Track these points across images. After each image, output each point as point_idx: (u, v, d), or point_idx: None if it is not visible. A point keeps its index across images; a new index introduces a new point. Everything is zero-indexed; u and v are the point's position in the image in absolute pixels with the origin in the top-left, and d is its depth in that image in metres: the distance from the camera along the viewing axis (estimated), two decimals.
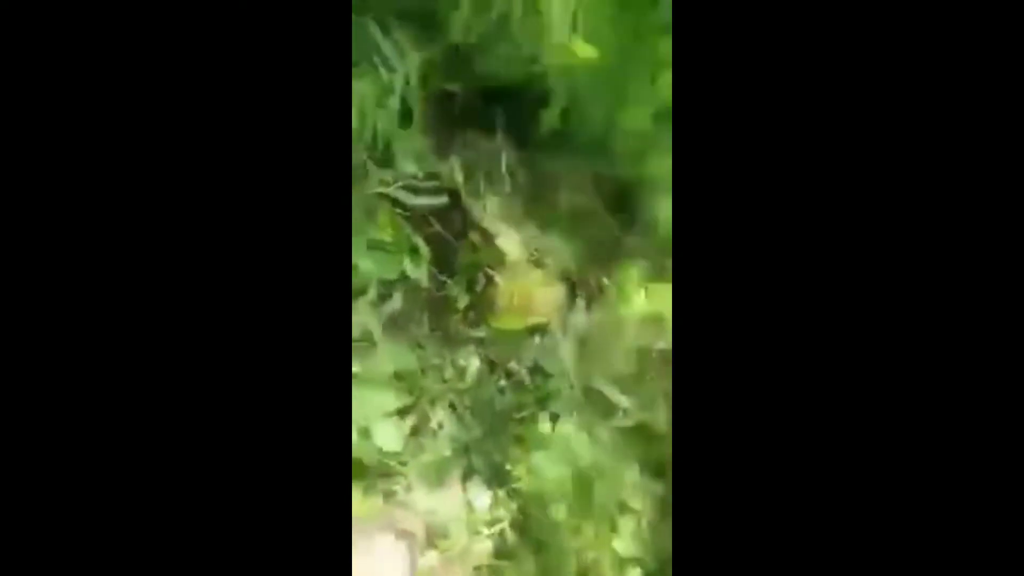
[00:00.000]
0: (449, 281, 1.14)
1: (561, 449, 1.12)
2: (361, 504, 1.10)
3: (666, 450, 1.09)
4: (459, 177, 1.04)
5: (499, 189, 1.12)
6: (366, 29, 0.85)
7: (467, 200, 1.05)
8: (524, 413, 1.14)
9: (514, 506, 1.11)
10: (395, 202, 1.03)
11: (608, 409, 1.11)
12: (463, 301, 1.16)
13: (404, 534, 1.11)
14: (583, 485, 1.10)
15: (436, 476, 1.13)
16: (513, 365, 1.15)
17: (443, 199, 1.04)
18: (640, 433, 1.12)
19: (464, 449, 1.14)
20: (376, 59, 0.87)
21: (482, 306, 1.17)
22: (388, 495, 1.12)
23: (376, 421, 1.10)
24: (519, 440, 1.13)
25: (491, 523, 1.12)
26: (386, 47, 0.86)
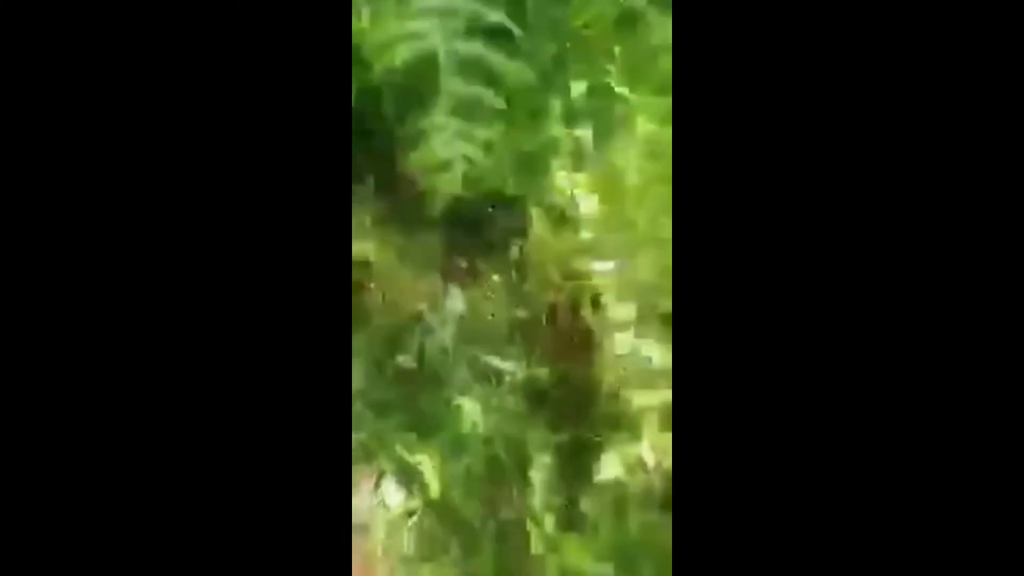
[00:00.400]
0: None
1: (461, 426, 1.18)
2: None
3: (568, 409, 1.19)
4: None
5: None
6: None
7: None
8: (418, 401, 1.19)
9: (428, 493, 1.15)
10: None
11: (497, 377, 1.20)
12: None
13: None
14: (488, 453, 1.17)
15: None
16: (400, 359, 1.19)
17: None
18: (529, 392, 1.21)
19: (364, 451, 1.16)
20: None
21: (357, 310, 1.20)
22: None
23: None
24: (420, 427, 1.17)
25: (408, 515, 1.15)
26: None
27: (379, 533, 1.13)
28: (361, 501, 1.14)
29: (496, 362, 1.21)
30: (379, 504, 1.15)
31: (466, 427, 1.19)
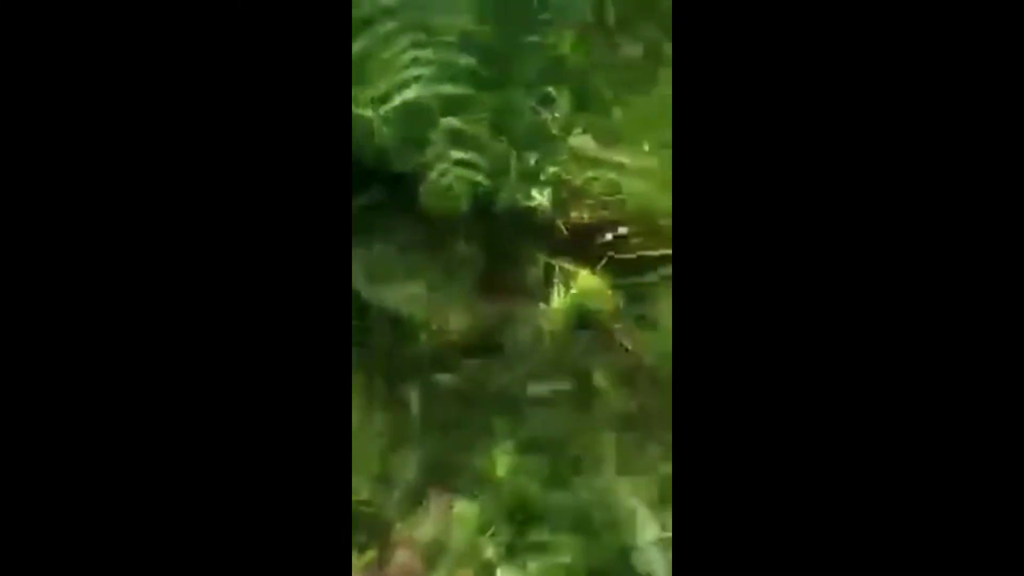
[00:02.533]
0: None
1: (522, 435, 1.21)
2: (356, 561, 1.12)
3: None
4: None
5: None
6: None
7: None
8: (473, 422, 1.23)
9: (501, 500, 1.17)
10: None
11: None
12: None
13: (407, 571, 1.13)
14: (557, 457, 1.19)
15: (412, 507, 1.17)
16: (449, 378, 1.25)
17: None
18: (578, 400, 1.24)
19: (434, 472, 1.20)
20: None
21: (407, 339, 1.28)
22: (376, 542, 1.15)
23: None
24: (481, 441, 1.21)
25: (485, 526, 1.17)
26: None
27: (459, 549, 1.16)
28: (439, 520, 1.18)
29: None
30: (456, 520, 1.18)
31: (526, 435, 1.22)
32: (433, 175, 1.16)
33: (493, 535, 1.16)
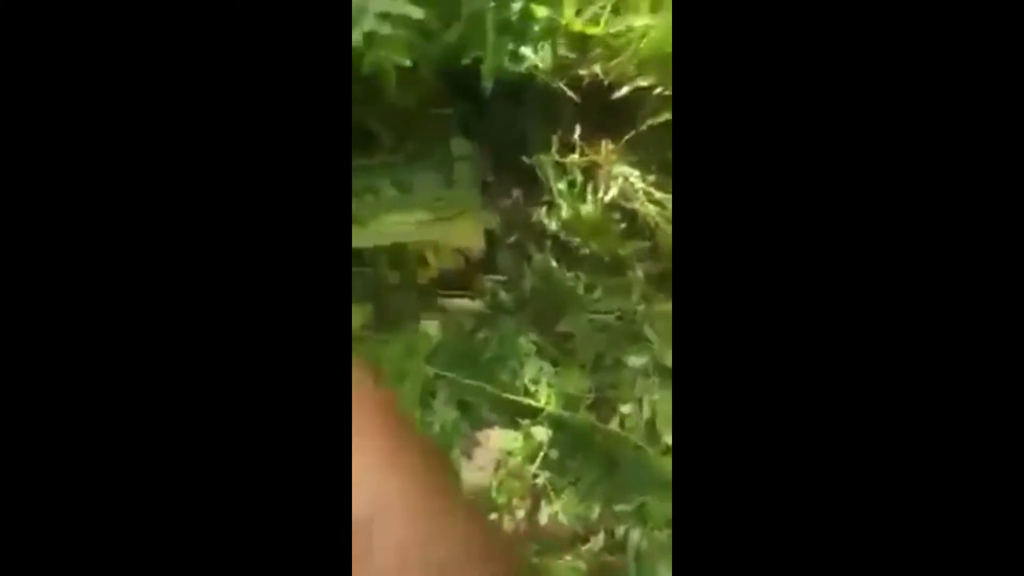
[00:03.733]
0: None
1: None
2: None
3: None
4: None
5: None
6: None
7: None
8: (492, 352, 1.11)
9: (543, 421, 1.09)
10: None
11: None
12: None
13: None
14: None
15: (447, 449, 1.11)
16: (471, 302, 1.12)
17: None
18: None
19: (466, 410, 1.12)
20: None
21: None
22: None
23: None
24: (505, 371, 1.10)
25: (535, 451, 1.10)
26: None
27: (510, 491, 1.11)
28: (484, 461, 1.13)
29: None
30: (502, 456, 1.12)
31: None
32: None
33: (544, 463, 1.10)
